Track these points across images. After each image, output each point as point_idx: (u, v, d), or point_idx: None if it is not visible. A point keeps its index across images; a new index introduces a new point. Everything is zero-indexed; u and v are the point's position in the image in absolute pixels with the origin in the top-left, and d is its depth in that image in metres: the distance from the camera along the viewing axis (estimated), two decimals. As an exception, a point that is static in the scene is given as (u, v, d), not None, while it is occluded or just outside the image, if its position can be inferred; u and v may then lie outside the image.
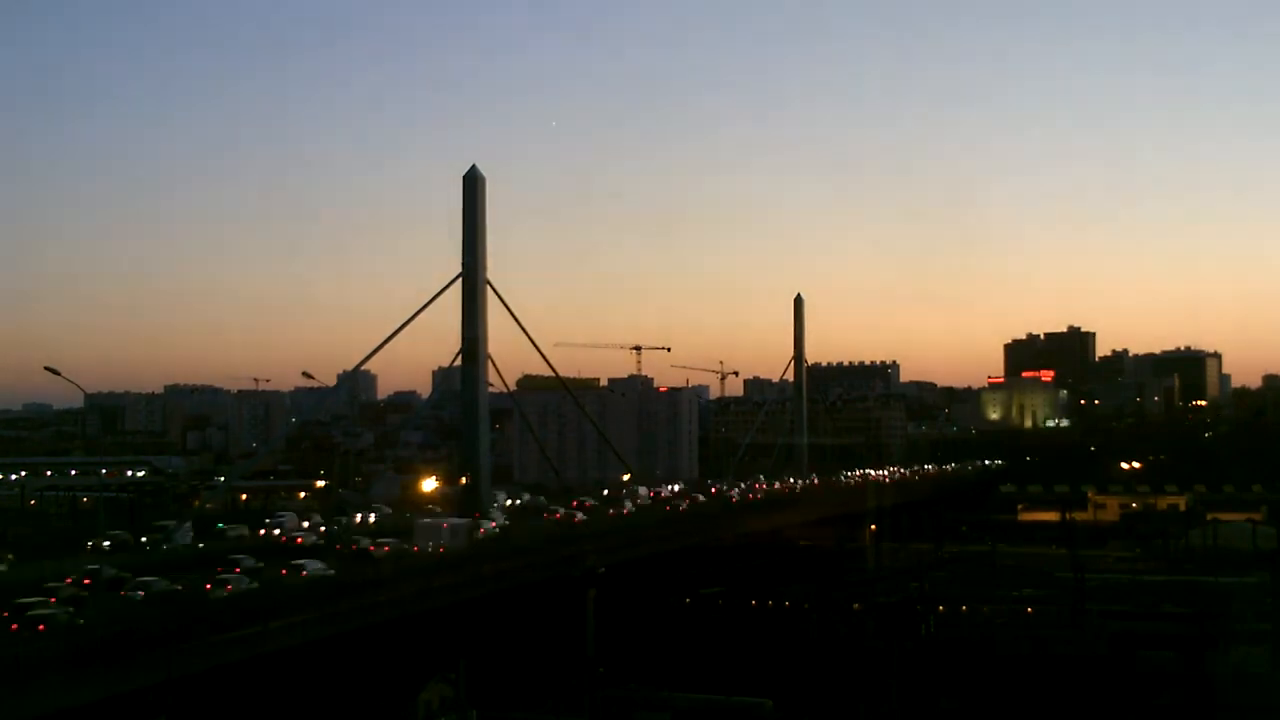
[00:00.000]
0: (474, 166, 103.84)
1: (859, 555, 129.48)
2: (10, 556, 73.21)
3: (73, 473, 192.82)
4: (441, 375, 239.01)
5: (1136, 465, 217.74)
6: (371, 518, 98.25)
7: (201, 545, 78.77)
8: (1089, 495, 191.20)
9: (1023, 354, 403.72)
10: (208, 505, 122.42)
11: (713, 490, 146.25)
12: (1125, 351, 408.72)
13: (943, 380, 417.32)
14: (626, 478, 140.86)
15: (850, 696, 74.08)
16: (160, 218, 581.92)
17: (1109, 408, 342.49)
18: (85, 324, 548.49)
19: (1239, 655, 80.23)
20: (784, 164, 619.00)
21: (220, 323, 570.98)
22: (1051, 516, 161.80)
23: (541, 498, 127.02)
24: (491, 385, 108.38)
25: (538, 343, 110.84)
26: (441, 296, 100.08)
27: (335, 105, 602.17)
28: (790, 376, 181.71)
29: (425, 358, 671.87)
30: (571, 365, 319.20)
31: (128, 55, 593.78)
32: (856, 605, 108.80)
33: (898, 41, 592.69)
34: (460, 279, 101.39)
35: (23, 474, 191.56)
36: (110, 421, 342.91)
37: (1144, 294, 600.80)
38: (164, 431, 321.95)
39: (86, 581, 57.15)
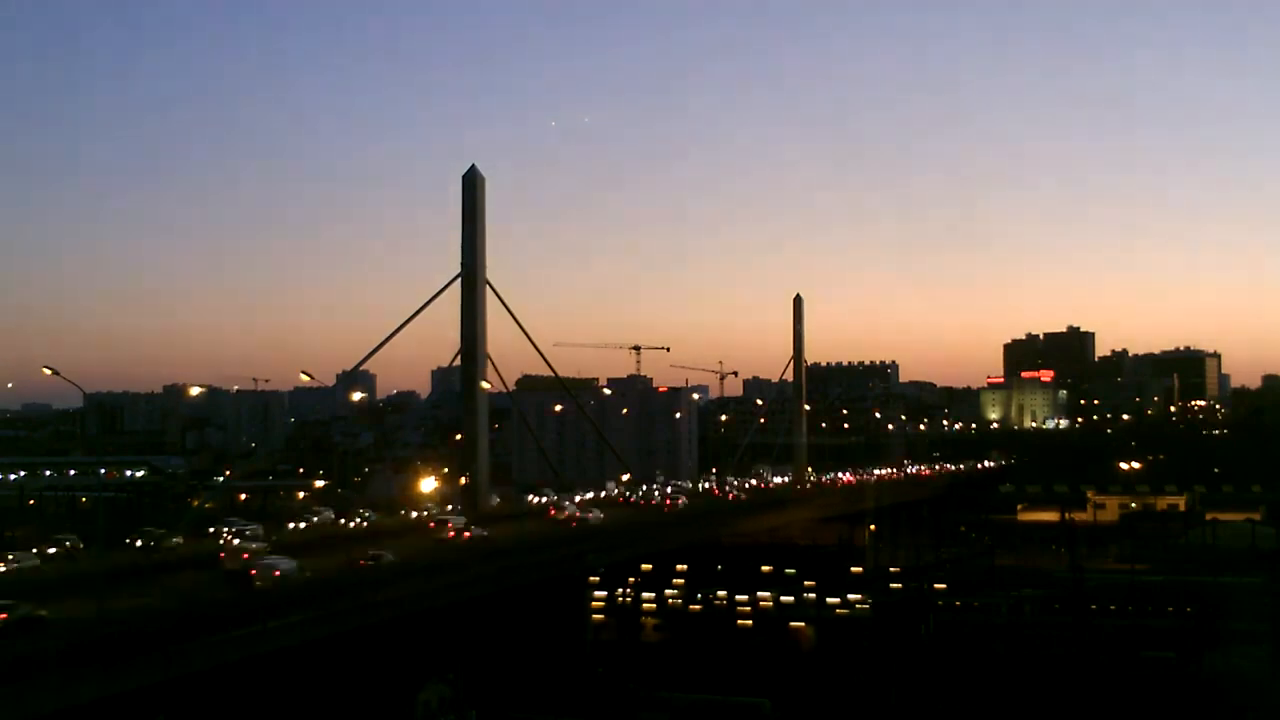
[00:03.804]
0: (474, 166, 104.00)
1: (858, 555, 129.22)
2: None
3: (71, 473, 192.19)
4: (441, 375, 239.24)
5: (1136, 465, 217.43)
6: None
7: None
8: (1088, 495, 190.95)
9: (1022, 354, 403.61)
10: (207, 505, 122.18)
11: (713, 491, 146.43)
12: (1125, 351, 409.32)
13: (942, 380, 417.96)
14: (626, 478, 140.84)
15: (850, 696, 74.08)
16: (160, 218, 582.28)
17: (1109, 408, 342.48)
18: (85, 324, 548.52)
19: (1238, 655, 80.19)
20: (784, 163, 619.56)
21: (220, 323, 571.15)
22: (1051, 516, 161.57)
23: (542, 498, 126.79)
24: (491, 385, 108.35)
25: (537, 343, 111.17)
26: (441, 296, 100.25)
27: (335, 105, 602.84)
28: (790, 376, 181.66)
29: (425, 358, 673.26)
30: (571, 365, 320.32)
31: (129, 56, 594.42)
32: (856, 605, 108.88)
33: (898, 42, 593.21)
34: (460, 279, 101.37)
35: (21, 474, 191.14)
36: (110, 421, 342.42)
37: (1144, 294, 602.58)
38: (163, 431, 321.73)
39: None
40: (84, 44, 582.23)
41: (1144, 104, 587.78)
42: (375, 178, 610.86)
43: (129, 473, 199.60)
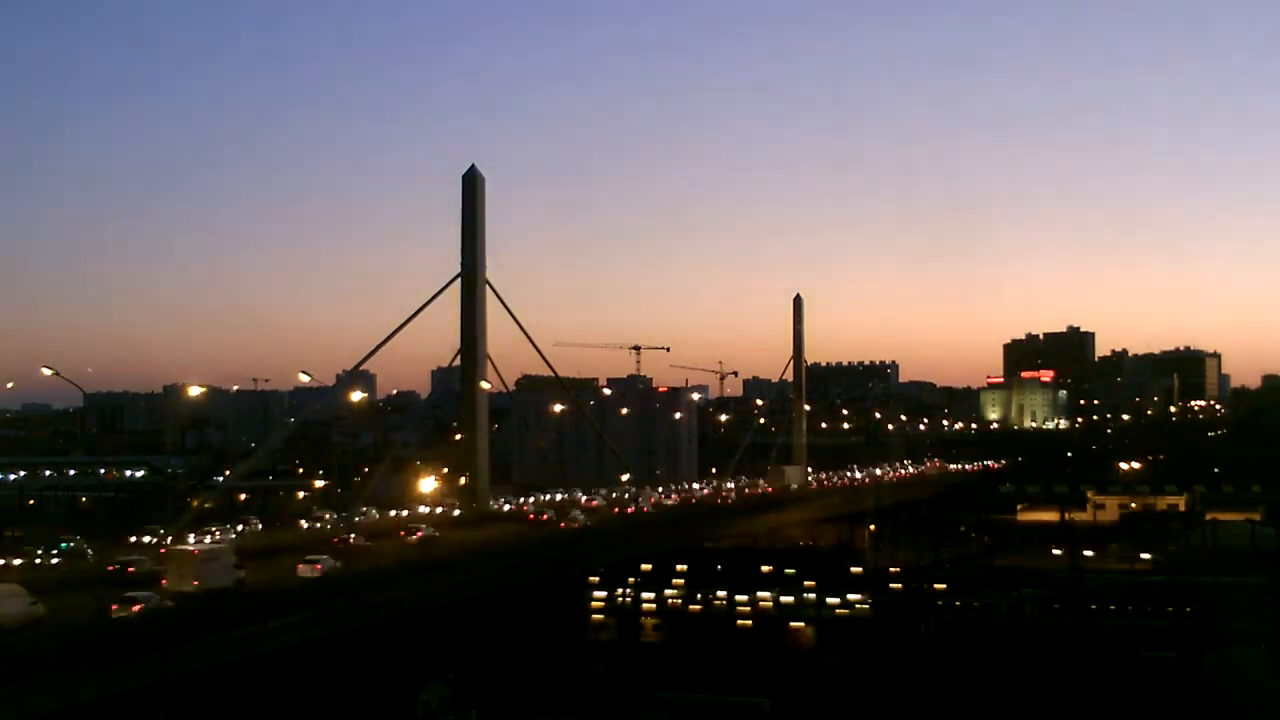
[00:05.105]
0: (474, 166, 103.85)
1: (858, 555, 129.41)
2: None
3: (71, 473, 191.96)
4: (441, 375, 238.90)
5: (1136, 465, 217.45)
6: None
7: None
8: (1088, 495, 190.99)
9: (1022, 354, 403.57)
10: (207, 505, 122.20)
11: (706, 491, 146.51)
12: (1125, 351, 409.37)
13: (942, 380, 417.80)
14: (625, 478, 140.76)
15: (850, 696, 74.10)
16: (159, 217, 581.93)
17: (1109, 408, 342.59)
18: (85, 324, 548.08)
19: (1238, 655, 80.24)
20: (784, 164, 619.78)
21: (220, 323, 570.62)
22: (1051, 516, 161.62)
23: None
24: (491, 385, 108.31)
25: (537, 343, 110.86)
26: (441, 296, 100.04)
27: (335, 104, 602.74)
28: (790, 376, 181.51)
29: (425, 358, 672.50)
30: (571, 365, 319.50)
31: (126, 56, 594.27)
32: (856, 605, 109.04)
33: (896, 41, 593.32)
34: (460, 279, 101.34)
35: (21, 474, 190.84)
36: (109, 421, 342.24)
37: (1144, 294, 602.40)
38: (163, 431, 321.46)
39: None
40: (82, 41, 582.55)
41: (1143, 104, 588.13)
42: (375, 178, 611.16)
43: (129, 473, 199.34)
